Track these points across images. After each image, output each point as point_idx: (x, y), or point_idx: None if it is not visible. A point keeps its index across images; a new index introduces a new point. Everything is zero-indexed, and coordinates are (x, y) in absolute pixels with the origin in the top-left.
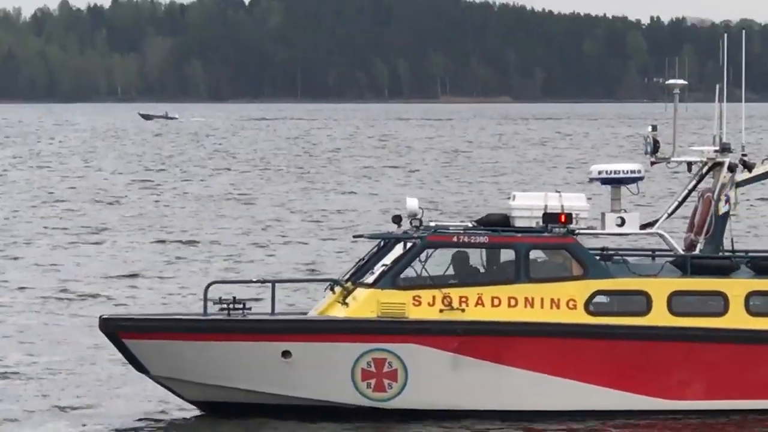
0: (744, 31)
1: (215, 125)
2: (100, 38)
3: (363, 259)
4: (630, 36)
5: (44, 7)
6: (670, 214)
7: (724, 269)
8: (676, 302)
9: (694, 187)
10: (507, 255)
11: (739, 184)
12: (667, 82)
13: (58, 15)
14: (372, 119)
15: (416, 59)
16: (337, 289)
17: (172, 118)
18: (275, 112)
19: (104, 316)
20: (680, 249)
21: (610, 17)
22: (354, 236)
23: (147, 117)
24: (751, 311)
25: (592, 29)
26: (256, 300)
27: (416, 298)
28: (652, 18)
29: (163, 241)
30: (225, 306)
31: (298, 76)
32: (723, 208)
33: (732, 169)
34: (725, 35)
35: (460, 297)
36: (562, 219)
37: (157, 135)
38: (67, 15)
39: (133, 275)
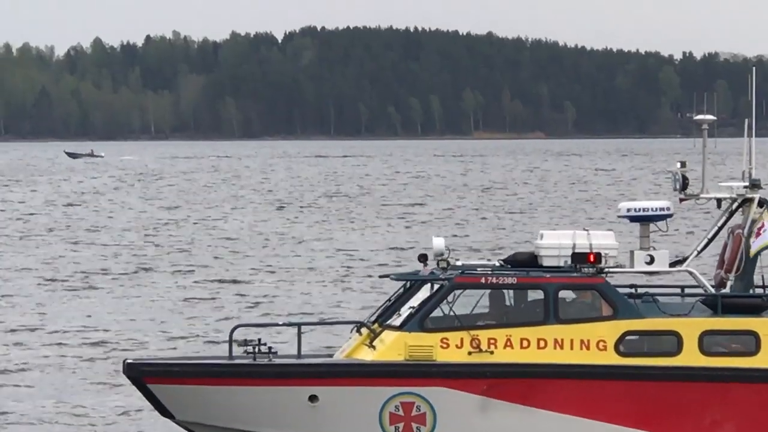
0: None
1: (148, 164)
2: (134, 76)
3: (389, 300)
4: (663, 71)
5: (77, 45)
6: (699, 252)
7: (756, 308)
8: (708, 342)
9: (724, 223)
10: (536, 295)
11: None
12: (695, 117)
13: (92, 53)
14: (402, 156)
15: (449, 95)
16: (364, 331)
17: (97, 156)
18: (299, 148)
19: (129, 361)
20: (710, 287)
21: (643, 53)
22: (380, 276)
23: (73, 155)
24: None
25: (624, 65)
26: (282, 342)
27: (444, 340)
28: (684, 53)
29: (187, 283)
30: (251, 349)
31: (330, 112)
32: (757, 243)
33: (762, 204)
34: (753, 69)
35: (489, 339)
36: (591, 258)
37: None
38: (100, 52)
39: (157, 316)
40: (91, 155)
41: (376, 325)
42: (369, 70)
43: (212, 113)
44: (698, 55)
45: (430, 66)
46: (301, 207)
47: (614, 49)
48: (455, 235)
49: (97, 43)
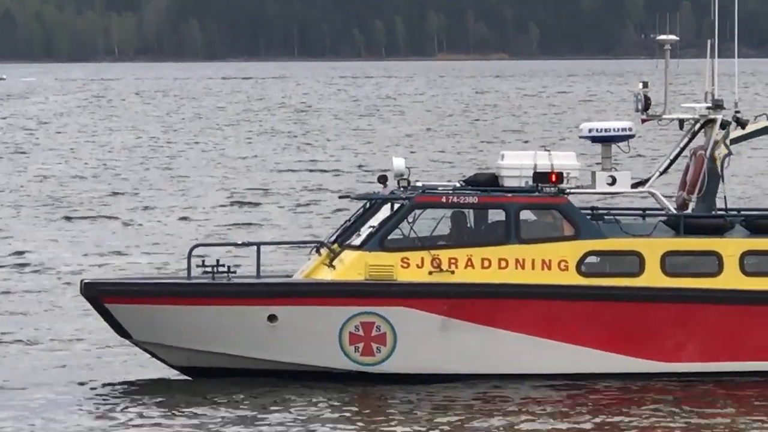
0: None
1: (48, 85)
2: None
3: (349, 220)
4: None
5: None
6: (662, 173)
7: (718, 228)
8: (670, 262)
9: (687, 144)
10: (497, 215)
11: (732, 141)
12: (657, 38)
13: None
14: (365, 77)
15: (413, 16)
16: (324, 251)
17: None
18: (262, 70)
19: (86, 281)
20: (672, 208)
21: None
22: (340, 197)
23: None
24: (746, 271)
25: None
26: (241, 263)
27: (404, 260)
28: None
29: (145, 206)
30: (209, 269)
31: (294, 34)
32: (717, 166)
33: (724, 125)
34: None
35: (450, 258)
36: (553, 178)
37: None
38: None
39: (117, 238)
40: None
41: (335, 245)
42: None
43: (176, 35)
44: None
45: None
46: (261, 128)
47: None
48: (419, 160)
49: None
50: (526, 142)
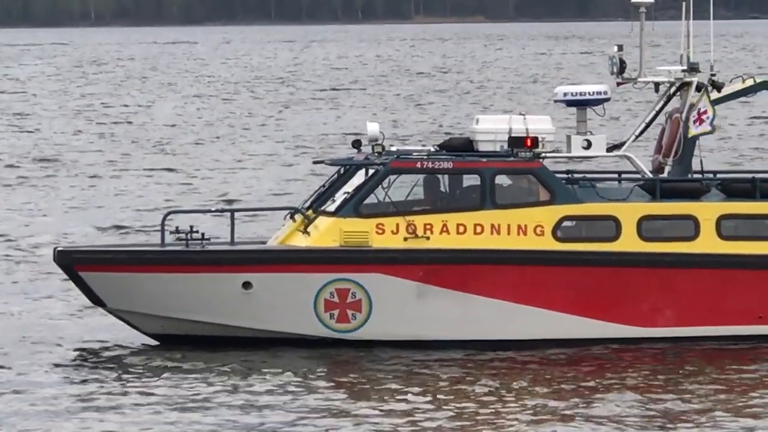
0: None
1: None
2: None
3: (324, 186)
4: None
5: None
6: (637, 136)
7: (695, 192)
8: (646, 227)
9: (662, 107)
10: (472, 180)
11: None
12: (632, 1)
13: None
14: (339, 41)
15: None
16: (298, 217)
17: None
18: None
19: (59, 248)
20: (648, 172)
21: None
22: (314, 162)
23: None
24: (723, 235)
25: None
26: (215, 230)
27: (379, 226)
28: None
29: (117, 173)
30: (183, 236)
31: None
32: (698, 128)
33: (700, 88)
34: None
35: (425, 224)
36: (528, 143)
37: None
38: None
39: (89, 206)
40: None
41: (310, 211)
42: None
43: None
44: None
45: None
46: (233, 93)
47: None
48: (393, 124)
49: None
50: (487, 106)
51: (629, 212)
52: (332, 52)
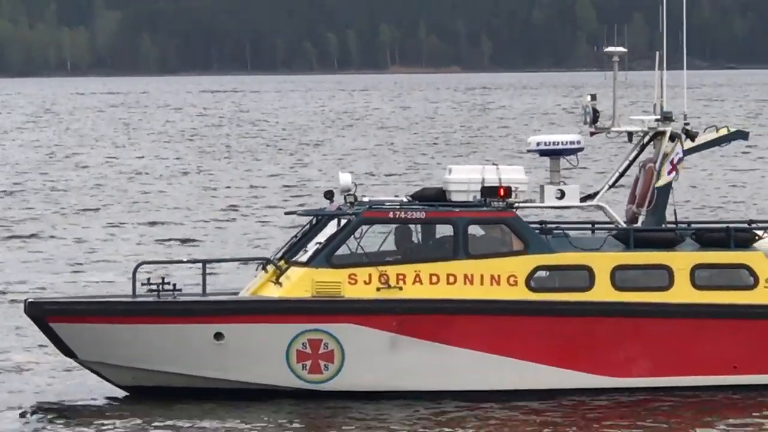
0: None
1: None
2: (49, 12)
3: (296, 236)
4: (579, 4)
5: None
6: (611, 186)
7: (669, 242)
8: (620, 276)
9: (636, 157)
10: (445, 231)
11: (684, 153)
12: (606, 50)
13: None
14: (315, 90)
15: (365, 29)
16: (270, 268)
17: None
18: (214, 84)
19: (30, 300)
20: (622, 221)
21: None
22: (286, 213)
23: None
24: (697, 285)
25: None
26: (187, 281)
27: (352, 276)
28: None
29: (87, 224)
30: (154, 287)
31: (246, 47)
32: (667, 179)
33: (674, 138)
34: (664, 1)
35: (398, 274)
36: (501, 193)
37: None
38: None
39: (61, 256)
40: None
41: (282, 261)
42: (285, 4)
43: (129, 49)
44: None
45: (346, 0)
46: (209, 144)
47: None
48: (367, 174)
49: None
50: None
51: (603, 262)
52: (306, 102)
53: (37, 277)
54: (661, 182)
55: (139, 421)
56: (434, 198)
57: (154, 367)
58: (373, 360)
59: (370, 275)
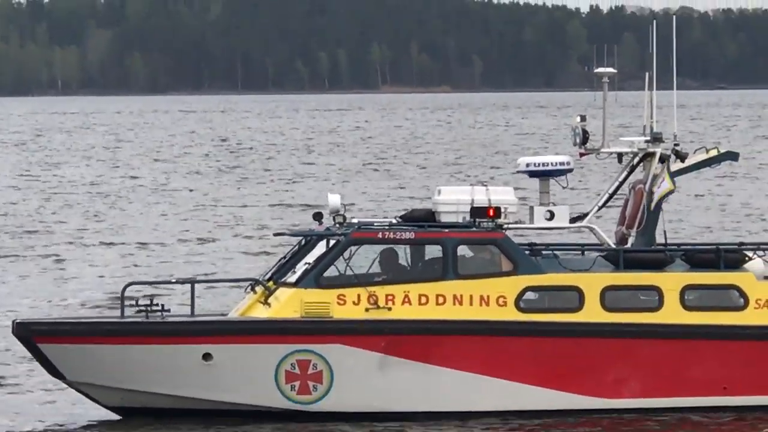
0: (675, 18)
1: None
2: (41, 30)
3: (285, 257)
4: (570, 25)
5: None
6: (600, 207)
7: (658, 263)
8: (610, 297)
9: (625, 178)
10: (434, 251)
11: (672, 175)
12: (596, 70)
13: None
14: (305, 110)
15: (356, 49)
16: (259, 289)
17: None
18: (205, 103)
19: (18, 320)
20: (612, 243)
21: (550, 6)
22: (275, 234)
23: None
24: (687, 305)
25: (531, 18)
26: (175, 302)
27: (341, 297)
28: (591, 6)
29: (74, 244)
30: (143, 308)
31: (238, 66)
32: (656, 199)
33: (663, 159)
34: (654, 22)
35: (387, 295)
36: (490, 213)
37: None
38: (6, 8)
39: (49, 277)
40: None
41: (270, 282)
42: (276, 23)
43: (120, 68)
44: (605, 8)
45: (337, 20)
46: (196, 164)
47: (521, 2)
48: (356, 195)
49: None
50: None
51: (592, 283)
52: (297, 121)
53: (25, 297)
54: (654, 199)
55: None
56: (423, 219)
57: (143, 388)
58: (362, 381)
59: (359, 296)
